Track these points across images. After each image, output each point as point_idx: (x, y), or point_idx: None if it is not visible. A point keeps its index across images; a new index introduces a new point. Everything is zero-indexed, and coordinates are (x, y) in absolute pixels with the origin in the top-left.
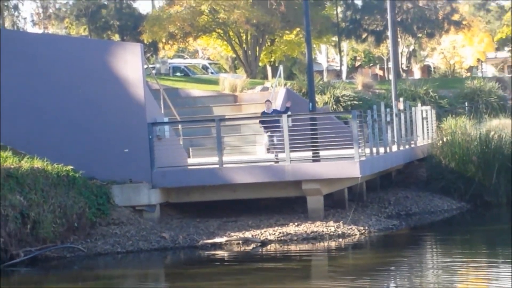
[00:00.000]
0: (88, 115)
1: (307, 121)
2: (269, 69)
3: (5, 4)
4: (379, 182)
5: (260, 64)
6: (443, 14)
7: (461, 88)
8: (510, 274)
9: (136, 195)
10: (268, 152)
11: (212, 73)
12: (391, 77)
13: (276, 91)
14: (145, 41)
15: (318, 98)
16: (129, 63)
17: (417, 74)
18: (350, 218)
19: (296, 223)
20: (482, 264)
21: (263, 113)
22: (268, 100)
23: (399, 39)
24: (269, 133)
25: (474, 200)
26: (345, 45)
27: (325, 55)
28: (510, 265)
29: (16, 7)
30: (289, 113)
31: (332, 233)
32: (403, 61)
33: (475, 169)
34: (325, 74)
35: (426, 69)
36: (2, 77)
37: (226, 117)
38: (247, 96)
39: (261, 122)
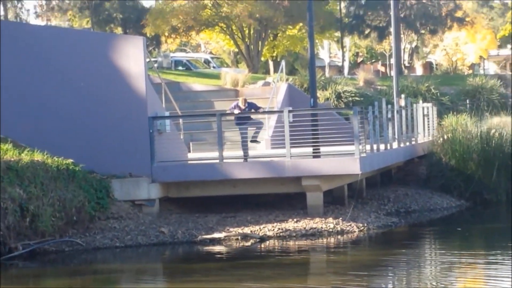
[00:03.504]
0: (90, 108)
1: (308, 117)
2: (271, 64)
3: None
4: (379, 179)
5: (262, 59)
6: (446, 10)
7: (463, 85)
8: (509, 273)
9: (136, 190)
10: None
11: (214, 67)
12: (393, 73)
13: (277, 86)
14: (148, 35)
15: (319, 93)
16: (132, 57)
17: (419, 70)
18: (349, 215)
19: (295, 219)
20: (480, 262)
21: (236, 107)
22: (244, 98)
23: (402, 35)
24: (243, 130)
25: (473, 198)
26: (347, 40)
27: (328, 50)
28: (510, 264)
29: None
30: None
31: (331, 230)
32: (405, 57)
33: (475, 167)
34: (327, 69)
35: (428, 66)
36: (2, 69)
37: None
38: (249, 91)
39: (236, 119)
